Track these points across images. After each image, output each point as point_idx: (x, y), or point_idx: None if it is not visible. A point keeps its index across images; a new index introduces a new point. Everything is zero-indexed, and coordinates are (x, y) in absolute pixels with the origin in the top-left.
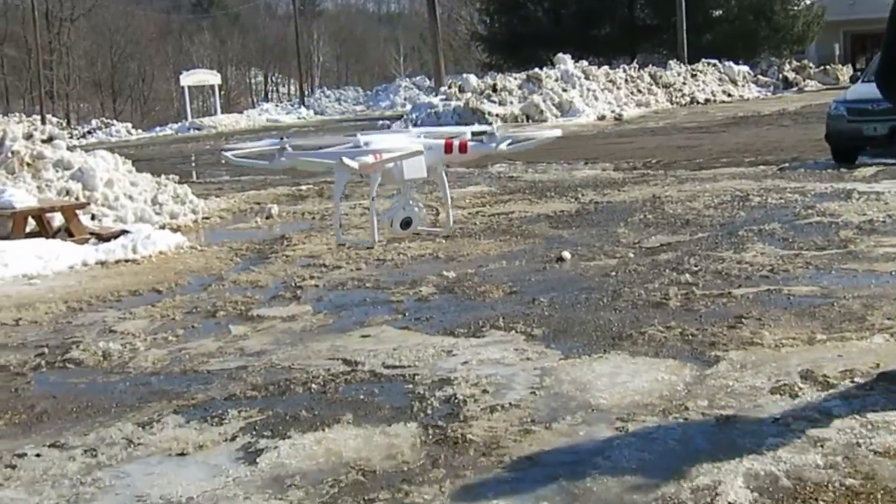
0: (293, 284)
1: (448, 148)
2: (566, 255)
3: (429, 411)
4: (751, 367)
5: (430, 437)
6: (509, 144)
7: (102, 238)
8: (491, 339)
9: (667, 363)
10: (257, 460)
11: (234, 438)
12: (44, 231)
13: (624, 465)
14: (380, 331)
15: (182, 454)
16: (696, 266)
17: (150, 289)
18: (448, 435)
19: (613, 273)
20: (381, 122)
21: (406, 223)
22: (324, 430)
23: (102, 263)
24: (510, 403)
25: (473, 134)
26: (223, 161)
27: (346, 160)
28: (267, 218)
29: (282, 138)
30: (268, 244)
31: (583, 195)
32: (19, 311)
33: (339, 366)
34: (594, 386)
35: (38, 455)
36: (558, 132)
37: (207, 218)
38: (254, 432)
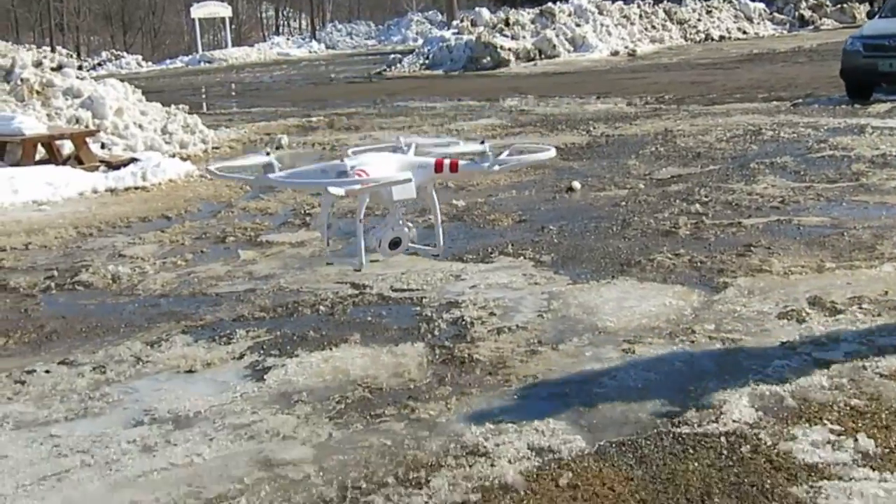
0: (302, 212)
1: (439, 167)
2: (576, 185)
3: (436, 332)
4: (759, 293)
5: (437, 356)
6: (502, 165)
7: (112, 166)
8: (499, 264)
9: (674, 289)
10: (265, 377)
11: (241, 357)
12: (54, 159)
13: (630, 385)
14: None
15: (190, 371)
16: (706, 197)
17: (160, 215)
18: (455, 355)
19: (623, 203)
20: (392, 55)
21: (395, 244)
22: (331, 349)
23: (112, 191)
24: (517, 325)
25: (471, 151)
26: (208, 176)
27: (331, 189)
28: (277, 148)
29: (268, 153)
30: None
31: (594, 128)
32: (29, 235)
33: (346, 289)
34: (601, 310)
35: (47, 371)
36: (553, 152)
37: (217, 148)
38: (261, 351)
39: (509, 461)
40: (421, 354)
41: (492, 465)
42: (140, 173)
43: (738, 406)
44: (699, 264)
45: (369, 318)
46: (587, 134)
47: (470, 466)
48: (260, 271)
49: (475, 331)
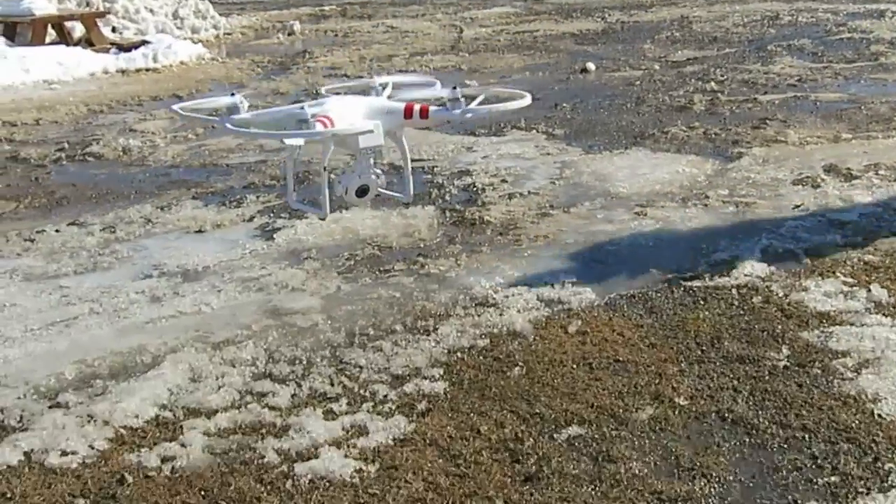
0: (314, 92)
1: (408, 113)
2: (591, 66)
3: (447, 198)
4: (774, 161)
5: (448, 218)
6: (474, 114)
7: (123, 48)
8: (511, 137)
9: (688, 158)
10: (274, 236)
11: (251, 219)
12: (64, 40)
13: (641, 244)
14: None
15: (200, 231)
16: (722, 77)
17: (171, 94)
18: (465, 217)
19: (638, 83)
20: None
21: (362, 191)
22: (341, 212)
23: (123, 72)
24: (529, 192)
25: (442, 97)
26: (173, 114)
27: (288, 141)
28: (289, 35)
29: (233, 94)
30: (289, 57)
31: (609, 15)
32: (40, 112)
33: None
34: (614, 177)
35: (57, 231)
36: (528, 100)
37: (229, 34)
38: (271, 214)
39: (518, 311)
40: (431, 216)
41: (500, 315)
42: (151, 55)
43: (751, 262)
44: (714, 136)
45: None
46: (602, 21)
47: (478, 315)
48: (271, 145)
49: (486, 196)
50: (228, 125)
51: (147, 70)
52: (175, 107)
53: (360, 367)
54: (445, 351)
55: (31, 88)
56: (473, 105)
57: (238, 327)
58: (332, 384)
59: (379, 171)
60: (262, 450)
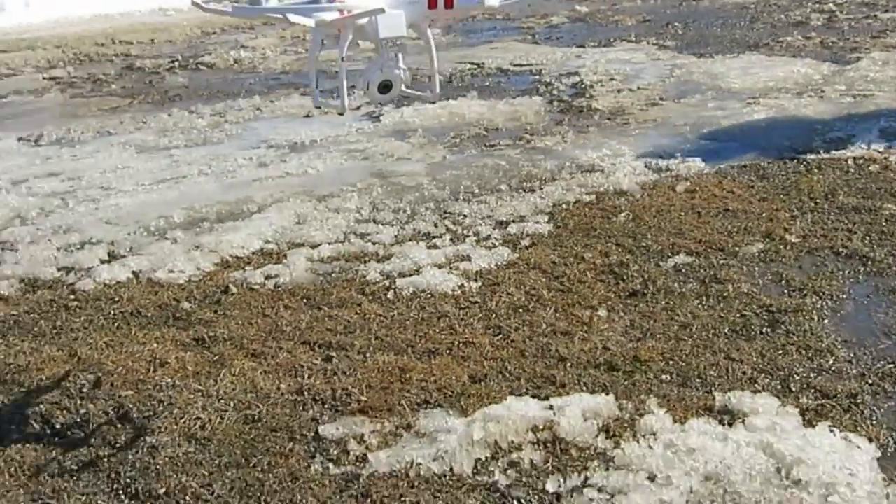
0: None
1: (432, 2)
2: None
3: (554, 92)
4: (894, 63)
5: (555, 107)
6: (502, 2)
7: None
8: (620, 48)
9: (804, 61)
10: (380, 118)
11: (358, 108)
12: None
13: (753, 126)
14: (509, 45)
15: (307, 116)
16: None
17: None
18: (573, 105)
19: (752, 5)
20: None
21: (385, 86)
22: (447, 100)
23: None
24: (638, 87)
25: None
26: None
27: (292, 17)
28: None
29: None
30: None
31: None
32: (154, 33)
33: (465, 66)
34: (726, 76)
35: (169, 115)
36: None
37: None
38: (378, 105)
39: (625, 175)
40: (539, 105)
41: (607, 178)
42: None
43: (868, 139)
44: (831, 44)
45: (487, 84)
46: None
47: (584, 178)
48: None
49: (594, 90)
50: (235, 5)
51: None
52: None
53: (464, 215)
54: (550, 204)
55: (147, 14)
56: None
57: (343, 184)
58: (436, 226)
59: (404, 66)
60: (364, 271)
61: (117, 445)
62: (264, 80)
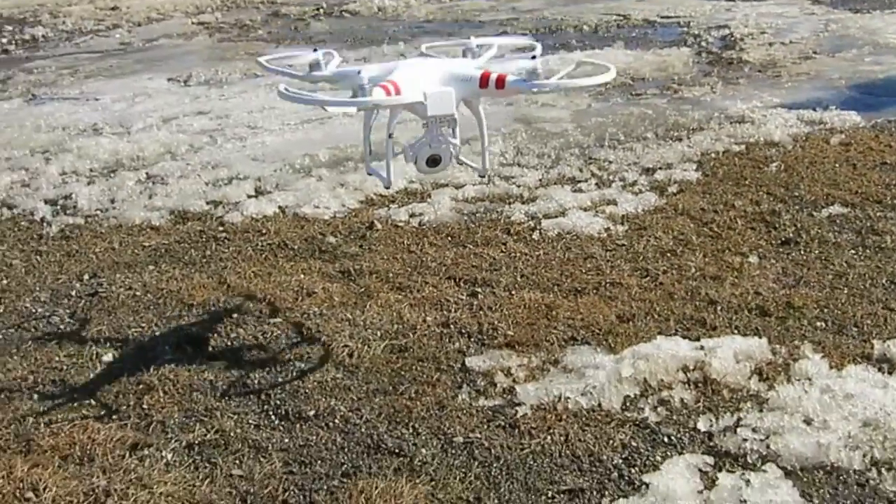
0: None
1: (484, 81)
2: None
3: (703, 44)
4: None
5: (704, 58)
6: (551, 89)
7: None
8: (773, 2)
9: None
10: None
11: (502, 56)
12: None
13: None
14: None
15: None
16: None
17: None
18: (722, 57)
19: None
20: None
21: (434, 161)
22: (593, 49)
23: None
24: (790, 41)
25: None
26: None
27: (331, 109)
28: None
29: (315, 49)
30: None
31: None
32: None
33: (611, 17)
34: (884, 31)
35: (314, 49)
36: (613, 74)
37: None
38: (522, 52)
39: (776, 126)
40: (686, 56)
41: (757, 129)
42: None
43: None
44: None
45: (634, 35)
46: None
47: (734, 128)
48: (523, 6)
49: (745, 43)
50: (282, 89)
51: None
52: (261, 59)
53: (610, 161)
54: (698, 152)
55: None
56: (554, 80)
57: (487, 129)
58: (581, 171)
59: (455, 141)
60: (508, 211)
61: (267, 368)
62: (408, 28)
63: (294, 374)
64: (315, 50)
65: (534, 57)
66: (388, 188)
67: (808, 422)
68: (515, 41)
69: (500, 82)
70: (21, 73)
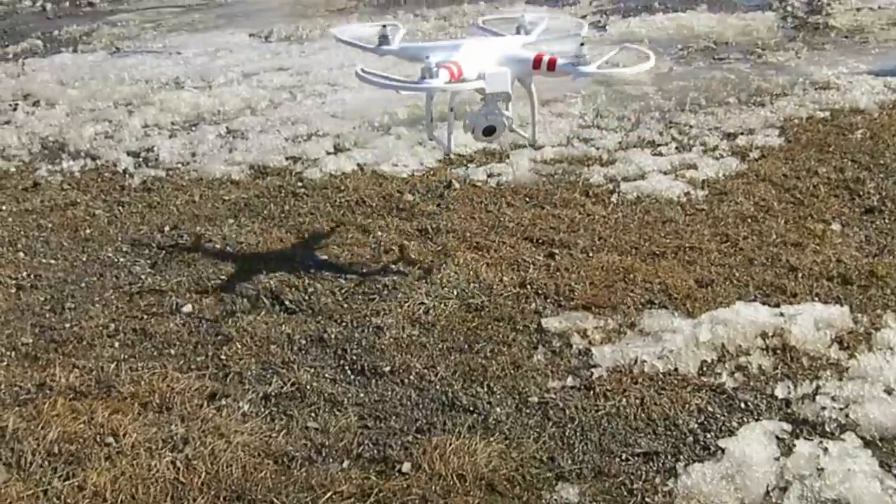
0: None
1: (536, 64)
2: None
3: (788, 8)
4: None
5: (789, 23)
6: (595, 74)
7: None
8: None
9: None
10: (606, 27)
11: (584, 17)
12: None
13: None
14: None
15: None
16: None
17: None
18: (808, 22)
19: None
20: None
21: (489, 131)
22: (675, 12)
23: None
24: (879, 6)
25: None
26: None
27: (404, 92)
28: None
29: (384, 25)
30: None
31: None
32: None
33: None
34: None
35: (394, 16)
36: (653, 62)
37: None
38: (604, 14)
39: (862, 93)
40: (771, 21)
41: (843, 95)
42: None
43: None
44: None
45: None
46: None
47: (818, 94)
48: None
49: (831, 8)
50: (358, 70)
51: None
52: (333, 30)
53: (691, 126)
54: (781, 118)
55: None
56: (593, 67)
57: (567, 90)
58: (661, 135)
59: (508, 113)
60: (587, 174)
61: (343, 324)
62: None
63: (370, 329)
64: (384, 26)
65: (582, 44)
66: (447, 155)
67: (889, 391)
68: (563, 21)
69: (551, 65)
70: (105, 26)
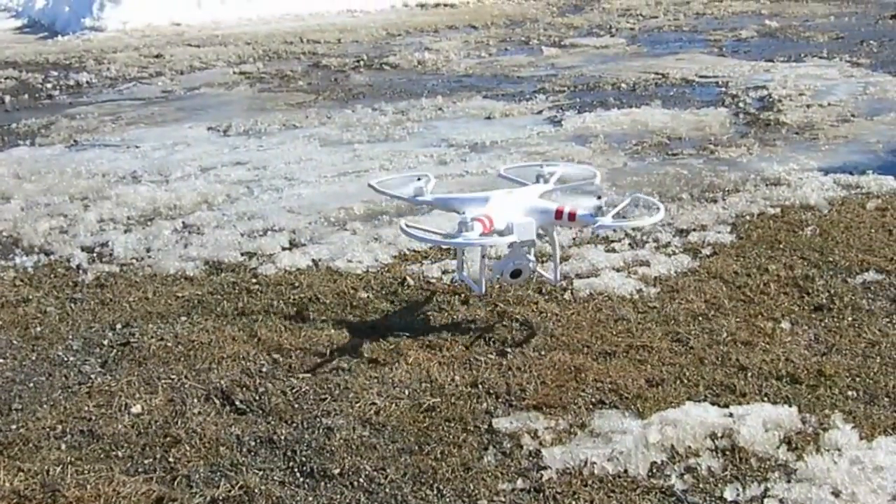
0: (608, 26)
1: (558, 215)
2: None
3: (740, 105)
4: None
5: (741, 119)
6: (611, 227)
7: None
8: (812, 63)
9: None
10: (562, 123)
11: (539, 112)
12: None
13: None
14: (694, 56)
15: (488, 118)
16: None
17: (466, 24)
18: (760, 118)
19: None
20: None
21: (516, 273)
22: (630, 108)
23: (422, 6)
24: (828, 103)
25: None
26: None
27: (441, 244)
28: None
29: (418, 178)
30: (584, 1)
31: None
32: (342, 33)
33: (649, 75)
34: None
35: (352, 111)
36: (662, 214)
37: None
38: (560, 110)
39: (812, 190)
40: (724, 116)
41: (793, 192)
42: None
43: None
44: None
45: (672, 94)
46: None
47: (769, 191)
48: (562, 63)
49: (782, 105)
50: (403, 225)
51: (444, 5)
52: (372, 181)
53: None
54: (733, 214)
55: (335, 15)
56: (608, 219)
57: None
58: (615, 231)
59: (532, 257)
60: (541, 270)
61: (294, 425)
62: (447, 82)
63: (321, 430)
64: (418, 179)
65: (599, 197)
66: (480, 297)
67: (836, 494)
68: (578, 170)
69: (572, 216)
70: (64, 119)
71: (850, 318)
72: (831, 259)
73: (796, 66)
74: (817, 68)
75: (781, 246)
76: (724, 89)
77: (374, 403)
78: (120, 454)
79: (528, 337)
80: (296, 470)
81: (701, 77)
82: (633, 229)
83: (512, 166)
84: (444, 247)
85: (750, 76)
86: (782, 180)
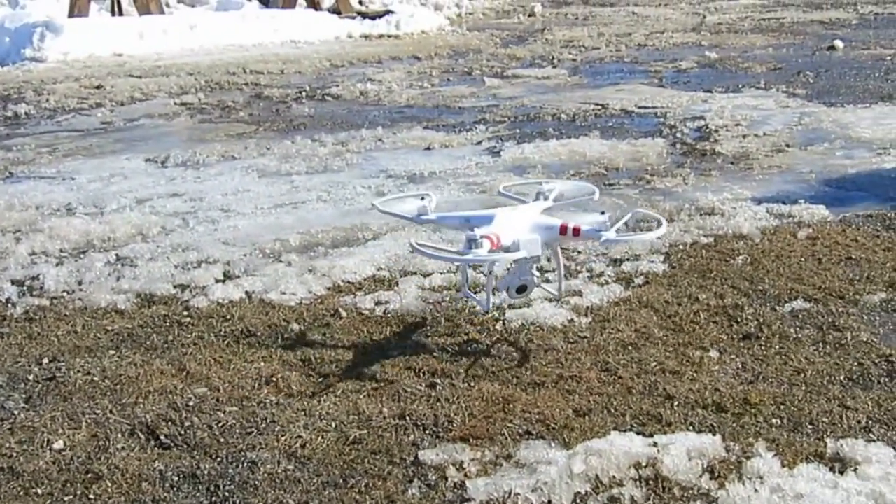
0: (551, 57)
1: (563, 230)
2: (839, 44)
3: (678, 135)
4: None
5: (678, 149)
6: (615, 242)
7: (367, 16)
8: (749, 94)
9: None
10: (501, 153)
11: (479, 143)
12: (313, 6)
13: (882, 176)
14: (635, 87)
15: (428, 148)
16: None
17: (410, 55)
18: (696, 148)
19: (889, 58)
20: None
21: (521, 289)
22: (569, 138)
23: (366, 36)
24: (764, 133)
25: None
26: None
27: (452, 260)
28: (529, 16)
29: (422, 197)
30: (528, 32)
31: (862, 8)
32: (285, 64)
33: (589, 106)
34: (856, 125)
35: (292, 142)
36: (665, 229)
37: (471, 13)
38: (499, 140)
39: (745, 219)
40: (661, 147)
41: (727, 221)
42: (394, 22)
43: None
44: None
45: (611, 125)
46: (854, 12)
47: (703, 220)
48: (504, 94)
49: (719, 135)
50: (413, 243)
51: (389, 36)
52: (375, 201)
53: (579, 252)
54: (667, 244)
55: (279, 46)
56: (612, 233)
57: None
58: (549, 261)
59: (536, 272)
60: (470, 305)
61: (218, 459)
62: (388, 113)
63: (245, 464)
64: (422, 198)
65: (603, 212)
66: (485, 313)
67: None
68: (577, 186)
69: (576, 231)
70: (0, 151)
71: (777, 347)
72: (761, 288)
73: (734, 97)
74: (754, 99)
75: (713, 275)
76: (662, 120)
77: (300, 436)
78: (40, 491)
79: (457, 368)
80: None
81: (640, 108)
82: (638, 242)
83: (511, 184)
84: (453, 263)
85: (688, 107)
86: (716, 210)
